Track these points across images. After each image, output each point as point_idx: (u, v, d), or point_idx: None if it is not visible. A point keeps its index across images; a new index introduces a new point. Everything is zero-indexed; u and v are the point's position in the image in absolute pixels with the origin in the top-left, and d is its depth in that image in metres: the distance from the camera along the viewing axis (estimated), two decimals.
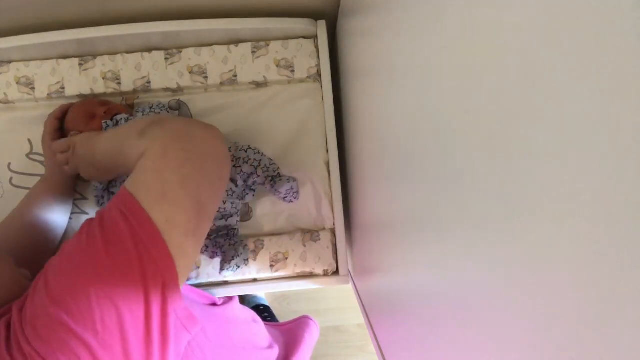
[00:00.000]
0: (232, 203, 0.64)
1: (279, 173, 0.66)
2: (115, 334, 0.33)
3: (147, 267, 0.36)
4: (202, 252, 0.65)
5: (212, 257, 0.66)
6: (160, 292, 0.36)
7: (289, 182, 0.64)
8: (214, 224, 0.64)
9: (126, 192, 0.39)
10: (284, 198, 0.67)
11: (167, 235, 0.37)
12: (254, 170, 0.64)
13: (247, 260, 0.66)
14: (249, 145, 0.65)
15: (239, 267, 0.64)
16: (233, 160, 0.64)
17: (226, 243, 0.64)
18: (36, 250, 0.59)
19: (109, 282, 0.34)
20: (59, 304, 0.34)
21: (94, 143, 0.54)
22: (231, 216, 0.64)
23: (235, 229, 0.66)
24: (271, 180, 0.65)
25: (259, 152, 0.65)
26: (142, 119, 0.49)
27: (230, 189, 0.64)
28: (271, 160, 0.66)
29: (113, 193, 0.65)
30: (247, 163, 0.64)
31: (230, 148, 0.65)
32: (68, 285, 0.35)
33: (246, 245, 0.67)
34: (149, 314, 0.35)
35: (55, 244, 0.66)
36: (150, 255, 0.36)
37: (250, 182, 0.65)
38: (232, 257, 0.62)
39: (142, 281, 0.35)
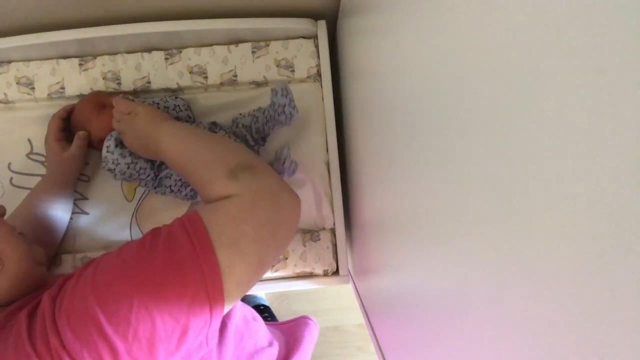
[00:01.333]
0: None
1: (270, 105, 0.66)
2: (144, 346, 0.34)
3: (198, 299, 0.36)
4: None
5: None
6: (203, 323, 0.37)
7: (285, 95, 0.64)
8: None
9: (200, 222, 0.39)
10: (284, 109, 0.64)
11: (224, 277, 0.38)
12: (254, 119, 0.66)
13: (295, 111, 0.64)
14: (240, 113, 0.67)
15: (293, 163, 0.65)
16: (229, 122, 0.66)
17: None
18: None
19: (155, 297, 0.35)
20: (100, 301, 0.34)
21: (161, 130, 0.53)
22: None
23: None
24: (268, 110, 0.66)
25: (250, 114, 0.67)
26: (228, 147, 0.49)
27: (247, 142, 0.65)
28: (258, 109, 0.67)
29: (160, 178, 0.65)
30: (244, 117, 0.66)
31: (227, 129, 0.67)
32: (114, 287, 0.35)
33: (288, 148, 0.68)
34: (183, 338, 0.36)
35: (57, 241, 0.66)
36: (206, 289, 0.37)
37: (254, 133, 0.66)
38: (287, 155, 0.64)
39: (189, 308, 0.36)
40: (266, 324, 0.72)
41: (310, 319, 0.80)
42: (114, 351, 0.33)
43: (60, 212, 0.65)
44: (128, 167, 0.62)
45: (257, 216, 0.41)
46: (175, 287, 0.36)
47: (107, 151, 0.61)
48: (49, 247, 0.63)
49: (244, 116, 0.67)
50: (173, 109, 0.66)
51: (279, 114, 0.64)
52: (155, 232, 0.40)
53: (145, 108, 0.57)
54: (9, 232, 0.45)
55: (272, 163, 0.65)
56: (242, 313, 0.63)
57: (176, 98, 0.69)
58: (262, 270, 0.43)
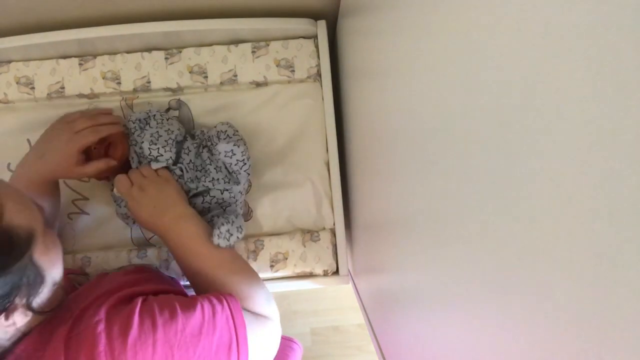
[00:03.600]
0: (229, 192, 0.62)
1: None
2: None
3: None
4: None
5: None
6: None
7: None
8: (212, 214, 0.61)
9: (241, 314, 0.47)
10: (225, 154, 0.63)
11: None
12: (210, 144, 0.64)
13: (242, 229, 0.59)
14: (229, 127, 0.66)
15: (232, 234, 0.56)
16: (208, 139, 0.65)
17: (221, 214, 0.61)
18: None
19: None
20: (168, 349, 0.39)
21: (186, 216, 0.56)
22: (229, 205, 0.63)
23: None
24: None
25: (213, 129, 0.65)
26: (255, 273, 0.58)
27: (225, 176, 0.63)
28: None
29: None
30: (207, 139, 0.65)
31: (198, 134, 0.66)
32: (184, 346, 0.40)
33: (239, 214, 0.63)
34: None
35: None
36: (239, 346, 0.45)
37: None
38: (223, 223, 0.56)
39: None
40: None
41: (295, 343, 0.81)
42: None
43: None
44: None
45: (277, 337, 0.54)
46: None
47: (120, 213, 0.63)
48: None
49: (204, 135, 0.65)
50: (167, 132, 0.63)
51: (221, 154, 0.64)
52: (215, 310, 0.45)
53: (160, 189, 0.57)
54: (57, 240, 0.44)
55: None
56: None
57: (167, 111, 0.68)
58: None
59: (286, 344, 0.80)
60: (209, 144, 0.65)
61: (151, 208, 0.55)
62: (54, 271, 0.41)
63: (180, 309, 0.42)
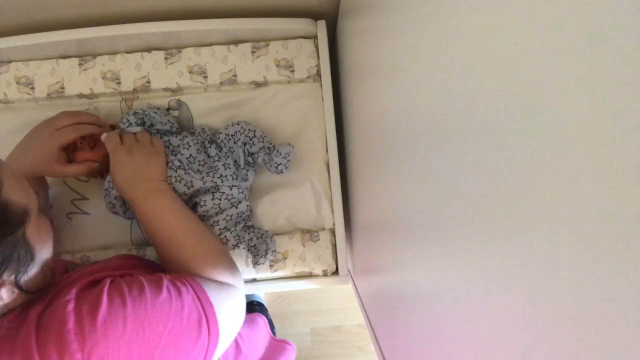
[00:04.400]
0: (237, 188, 0.64)
1: (273, 145, 0.67)
2: None
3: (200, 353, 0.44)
4: (233, 249, 0.65)
5: (242, 255, 0.66)
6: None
7: (289, 144, 0.65)
8: (227, 215, 0.63)
9: (206, 294, 0.47)
10: (277, 167, 0.66)
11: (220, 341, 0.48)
12: (249, 140, 0.66)
13: (275, 250, 0.66)
14: (238, 121, 0.67)
15: (268, 258, 0.65)
16: (227, 137, 0.66)
17: (253, 237, 0.65)
18: None
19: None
20: (139, 325, 0.39)
21: (160, 192, 0.57)
22: (240, 202, 0.65)
23: (249, 214, 0.66)
24: (267, 151, 0.66)
25: (250, 124, 0.67)
26: (223, 246, 0.61)
27: (234, 173, 0.64)
28: (263, 132, 0.67)
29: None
30: (242, 134, 0.66)
31: (220, 131, 0.67)
32: (155, 322, 0.40)
33: (269, 232, 0.67)
34: None
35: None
36: (208, 347, 0.45)
37: (249, 149, 0.66)
38: (266, 251, 0.64)
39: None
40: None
41: (289, 344, 0.81)
42: None
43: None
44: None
45: (243, 306, 0.55)
46: (189, 341, 0.42)
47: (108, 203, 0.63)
48: None
49: (243, 130, 0.66)
50: (160, 124, 0.65)
51: (270, 165, 0.66)
52: (178, 287, 0.45)
53: (144, 150, 0.58)
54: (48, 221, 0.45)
55: (270, 153, 0.66)
56: None
57: (168, 110, 0.69)
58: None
59: (279, 344, 0.81)
60: (225, 142, 0.66)
61: (131, 175, 0.56)
62: (43, 252, 0.42)
63: (148, 286, 0.43)
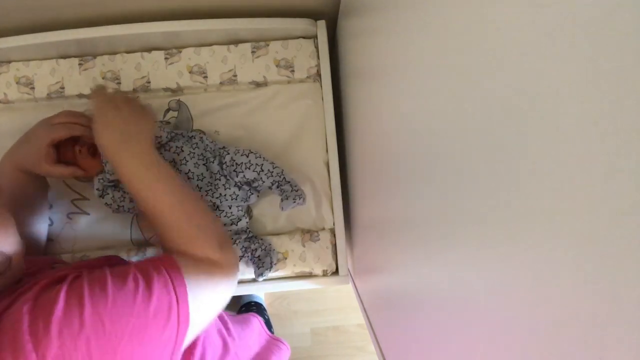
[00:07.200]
0: (237, 207, 0.64)
1: (284, 177, 0.66)
2: None
3: (167, 348, 0.42)
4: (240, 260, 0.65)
5: (246, 263, 0.67)
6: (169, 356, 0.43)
7: (294, 201, 0.65)
8: (226, 230, 0.64)
9: (182, 279, 0.44)
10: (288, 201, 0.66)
11: (192, 326, 0.44)
12: (256, 176, 0.64)
13: (276, 262, 0.67)
14: (249, 150, 0.65)
15: (271, 271, 0.66)
16: (233, 165, 0.64)
17: (258, 247, 0.65)
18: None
19: (140, 349, 0.39)
20: (99, 321, 0.37)
21: (148, 156, 0.52)
22: (240, 220, 0.65)
23: (248, 229, 0.66)
24: (278, 185, 0.65)
25: (260, 157, 0.65)
26: (215, 217, 0.57)
27: (234, 192, 0.64)
28: (273, 163, 0.66)
29: (118, 188, 0.63)
30: (249, 169, 0.64)
31: (228, 151, 0.66)
32: (106, 339, 0.38)
33: (272, 245, 0.67)
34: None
35: (43, 242, 0.65)
36: (175, 342, 0.42)
37: (254, 184, 0.65)
38: (270, 263, 0.64)
39: (162, 350, 0.41)
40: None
41: (283, 343, 0.81)
42: None
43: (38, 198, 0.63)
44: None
45: (230, 284, 0.52)
46: (157, 332, 0.40)
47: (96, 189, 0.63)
48: (32, 244, 0.61)
49: (250, 165, 0.65)
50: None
51: (282, 199, 0.65)
52: (147, 271, 0.43)
53: (133, 112, 0.54)
54: (14, 226, 0.43)
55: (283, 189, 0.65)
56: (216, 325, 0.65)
57: (167, 111, 0.69)
58: (214, 316, 0.51)
59: (273, 343, 0.80)
60: (229, 165, 0.65)
61: (117, 134, 0.52)
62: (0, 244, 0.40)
63: (112, 280, 0.41)
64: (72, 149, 0.60)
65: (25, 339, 0.34)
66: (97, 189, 0.62)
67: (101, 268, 0.44)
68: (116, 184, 0.63)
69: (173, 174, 0.54)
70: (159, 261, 0.46)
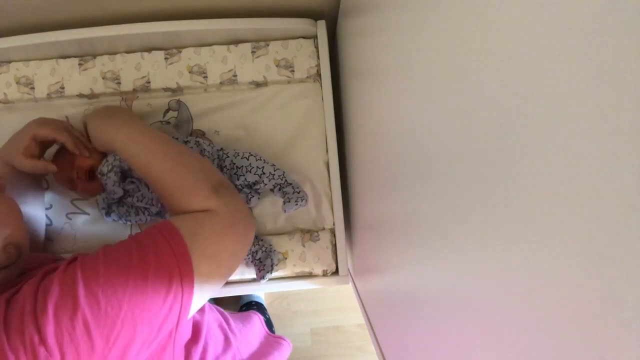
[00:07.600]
0: None
1: (286, 180, 0.66)
2: (120, 351, 0.38)
3: (173, 312, 0.41)
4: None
5: (247, 265, 0.67)
6: (169, 333, 0.43)
7: (297, 203, 0.65)
8: None
9: (180, 237, 0.44)
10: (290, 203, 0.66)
11: (199, 287, 0.43)
12: (258, 179, 0.64)
13: (277, 263, 0.67)
14: (250, 153, 0.65)
15: (272, 273, 0.66)
16: (234, 169, 0.64)
17: (259, 249, 0.65)
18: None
19: (141, 305, 0.39)
20: (90, 300, 0.37)
21: (136, 127, 0.55)
22: None
23: None
24: (280, 188, 0.65)
25: (260, 159, 0.65)
26: (206, 163, 0.56)
27: None
28: (274, 166, 0.66)
29: (122, 203, 0.64)
30: (250, 172, 0.64)
31: (227, 154, 0.66)
32: (105, 289, 0.38)
33: (273, 246, 0.67)
34: (150, 347, 0.41)
35: (41, 239, 0.65)
36: (182, 299, 0.42)
37: (255, 187, 0.65)
38: (271, 266, 0.64)
39: (164, 320, 0.41)
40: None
41: (285, 340, 0.81)
42: (92, 350, 0.36)
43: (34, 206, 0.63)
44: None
45: (235, 234, 0.49)
46: (158, 297, 0.40)
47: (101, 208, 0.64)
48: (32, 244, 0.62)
49: (251, 168, 0.65)
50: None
51: (284, 202, 0.66)
52: (141, 239, 0.44)
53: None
54: (21, 216, 0.44)
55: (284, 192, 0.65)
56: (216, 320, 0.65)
57: (167, 111, 0.69)
58: (226, 279, 0.49)
59: (275, 340, 0.81)
60: (229, 169, 0.65)
61: (103, 116, 0.58)
62: (5, 230, 0.42)
63: (104, 257, 0.41)
64: (69, 172, 0.62)
65: (28, 320, 0.36)
66: (103, 208, 0.64)
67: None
68: (119, 200, 0.64)
69: (160, 134, 0.56)
70: (154, 227, 0.45)
